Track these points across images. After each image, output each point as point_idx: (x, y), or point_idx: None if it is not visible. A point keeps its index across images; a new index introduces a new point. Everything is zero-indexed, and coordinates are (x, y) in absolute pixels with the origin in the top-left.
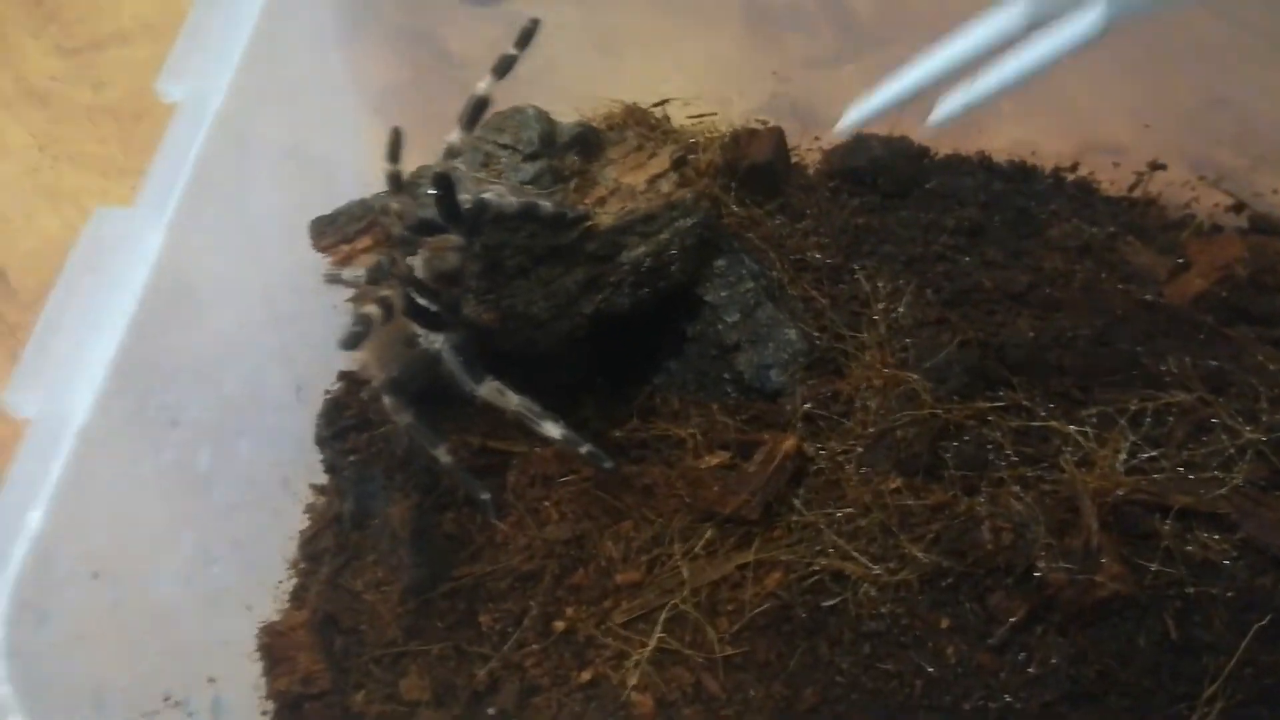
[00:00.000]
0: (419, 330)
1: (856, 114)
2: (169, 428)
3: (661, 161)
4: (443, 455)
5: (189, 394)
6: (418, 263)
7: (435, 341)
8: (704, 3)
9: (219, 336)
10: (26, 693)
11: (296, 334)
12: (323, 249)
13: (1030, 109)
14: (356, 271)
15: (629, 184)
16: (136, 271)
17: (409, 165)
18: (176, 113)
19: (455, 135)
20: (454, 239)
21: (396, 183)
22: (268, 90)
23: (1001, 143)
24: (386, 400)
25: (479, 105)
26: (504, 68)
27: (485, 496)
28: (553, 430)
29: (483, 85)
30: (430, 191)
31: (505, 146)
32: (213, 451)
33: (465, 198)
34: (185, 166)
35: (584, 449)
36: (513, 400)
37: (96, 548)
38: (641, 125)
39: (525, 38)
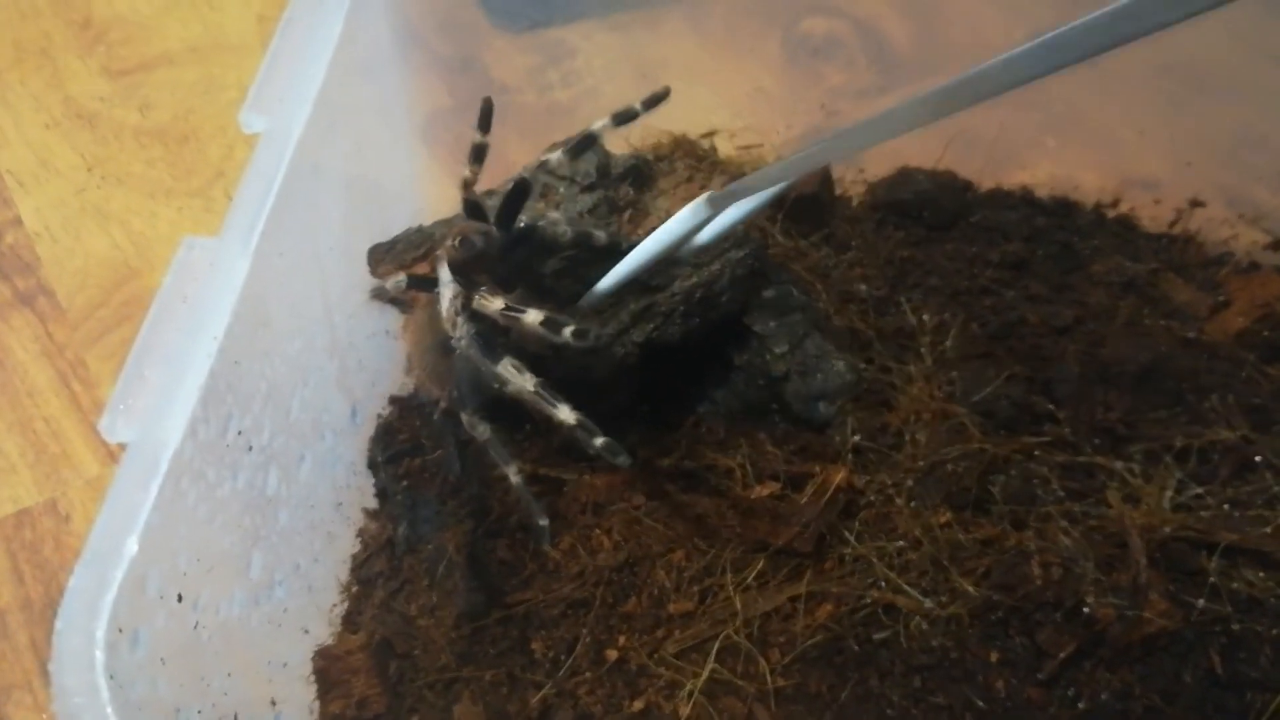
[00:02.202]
0: (450, 333)
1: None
2: (245, 452)
3: None
4: (513, 474)
5: (262, 418)
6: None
7: (461, 338)
8: (742, 34)
9: (287, 361)
10: (125, 716)
11: (353, 359)
12: (380, 276)
13: (1071, 145)
14: (398, 277)
15: None
16: (224, 299)
17: (452, 190)
18: (260, 143)
19: (557, 156)
20: (483, 225)
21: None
22: (335, 121)
23: (1043, 177)
24: (464, 417)
25: (588, 140)
26: (624, 118)
27: (544, 522)
28: (567, 415)
29: (599, 124)
30: (508, 187)
31: (563, 178)
32: (279, 476)
33: (522, 219)
34: (269, 197)
35: (598, 440)
36: (529, 380)
37: (182, 571)
38: (690, 156)
39: (654, 100)
